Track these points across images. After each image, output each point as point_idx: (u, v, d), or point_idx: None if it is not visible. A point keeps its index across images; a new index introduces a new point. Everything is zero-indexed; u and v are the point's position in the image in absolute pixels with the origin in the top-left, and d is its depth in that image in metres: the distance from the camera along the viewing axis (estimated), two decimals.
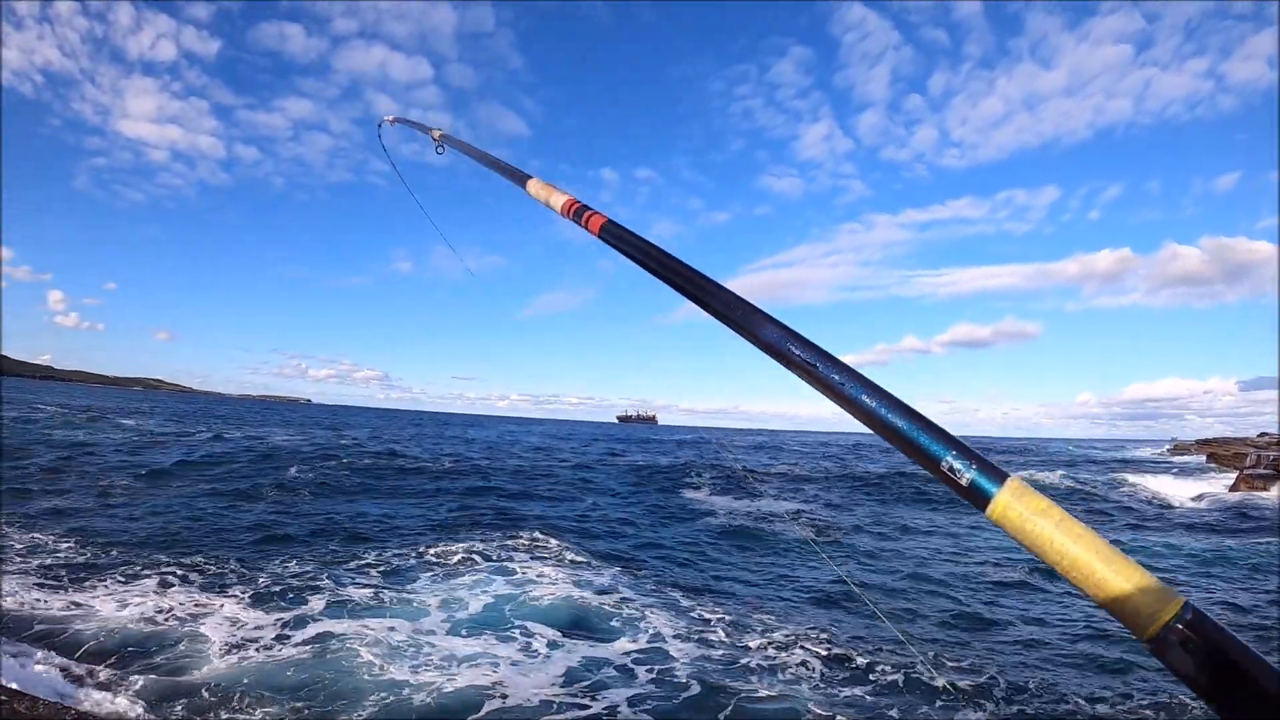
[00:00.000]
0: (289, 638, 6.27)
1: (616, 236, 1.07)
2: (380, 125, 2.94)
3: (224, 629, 6.37)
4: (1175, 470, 31.32)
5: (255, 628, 6.46)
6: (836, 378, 0.92)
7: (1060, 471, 29.08)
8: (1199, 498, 22.26)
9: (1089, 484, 24.87)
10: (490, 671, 5.71)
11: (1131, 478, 27.01)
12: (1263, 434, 39.63)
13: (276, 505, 13.25)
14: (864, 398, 0.91)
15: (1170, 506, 20.15)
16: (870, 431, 0.95)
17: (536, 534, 11.42)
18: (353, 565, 8.83)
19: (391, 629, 6.58)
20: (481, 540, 10.68)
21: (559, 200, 1.25)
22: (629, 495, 18.10)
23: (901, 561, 10.94)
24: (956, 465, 0.87)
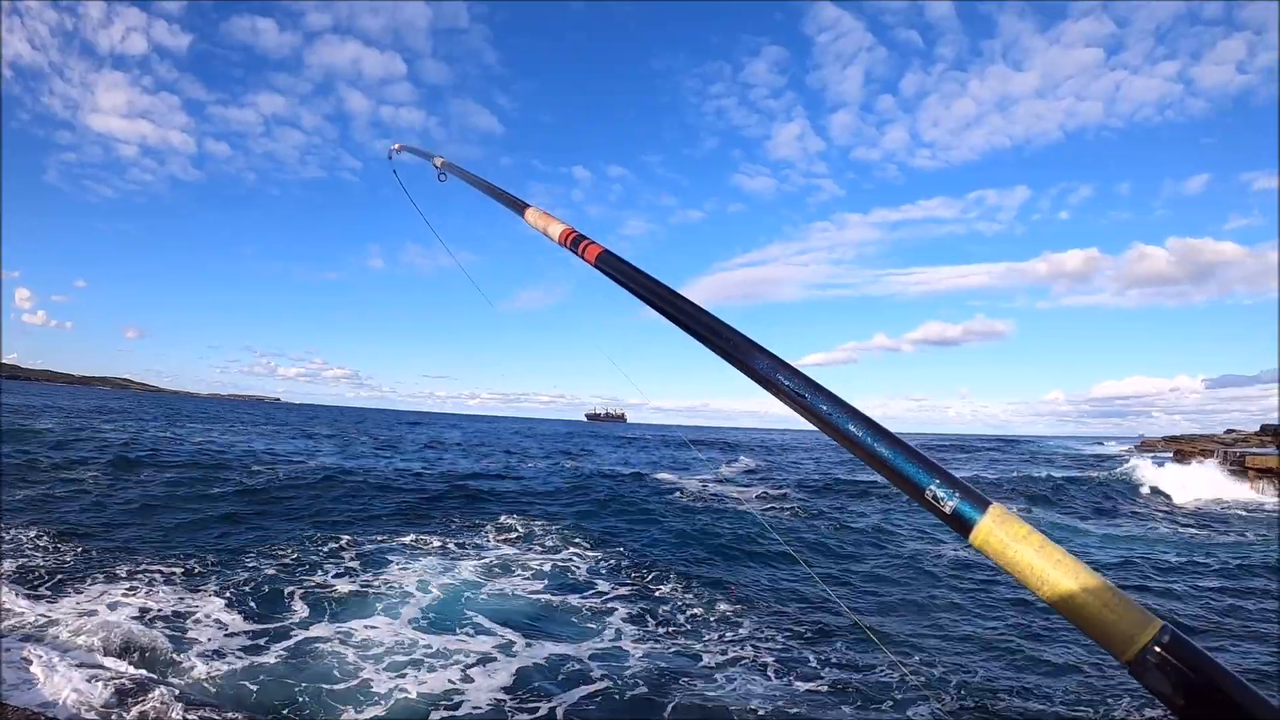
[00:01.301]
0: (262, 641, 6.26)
1: (612, 266, 1.09)
2: (390, 154, 2.96)
3: (205, 632, 6.33)
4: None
5: (232, 633, 6.42)
6: (824, 407, 0.95)
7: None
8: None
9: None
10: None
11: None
12: (1229, 431, 40.72)
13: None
14: (850, 426, 0.94)
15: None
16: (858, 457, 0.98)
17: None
18: None
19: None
20: None
21: (556, 229, 1.27)
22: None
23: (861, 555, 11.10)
24: (940, 493, 0.90)
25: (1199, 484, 22.29)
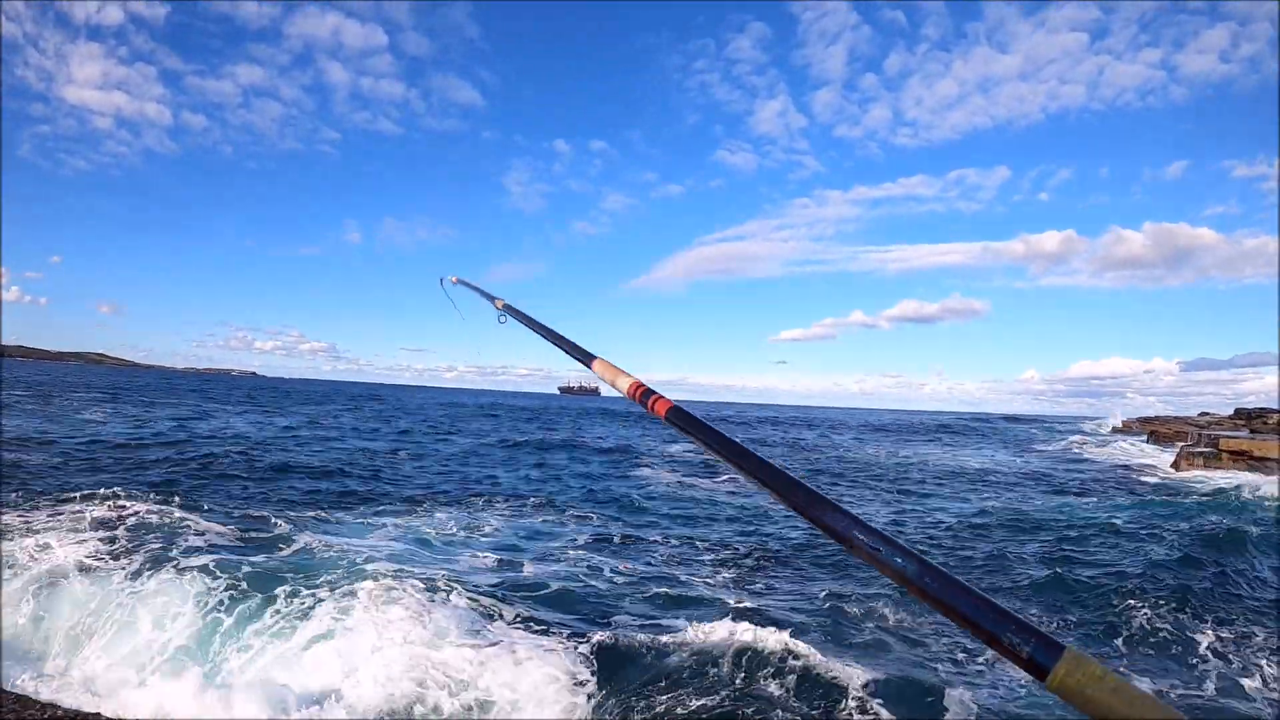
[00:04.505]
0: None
1: (683, 420, 1.15)
2: (442, 281, 3.03)
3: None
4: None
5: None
6: (899, 560, 1.01)
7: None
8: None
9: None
10: None
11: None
12: (1203, 413, 41.84)
13: None
14: (927, 579, 1.00)
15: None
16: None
17: None
18: None
19: None
20: None
21: (624, 383, 1.32)
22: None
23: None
24: (1015, 640, 0.97)
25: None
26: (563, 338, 1.78)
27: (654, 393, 1.26)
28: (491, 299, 2.55)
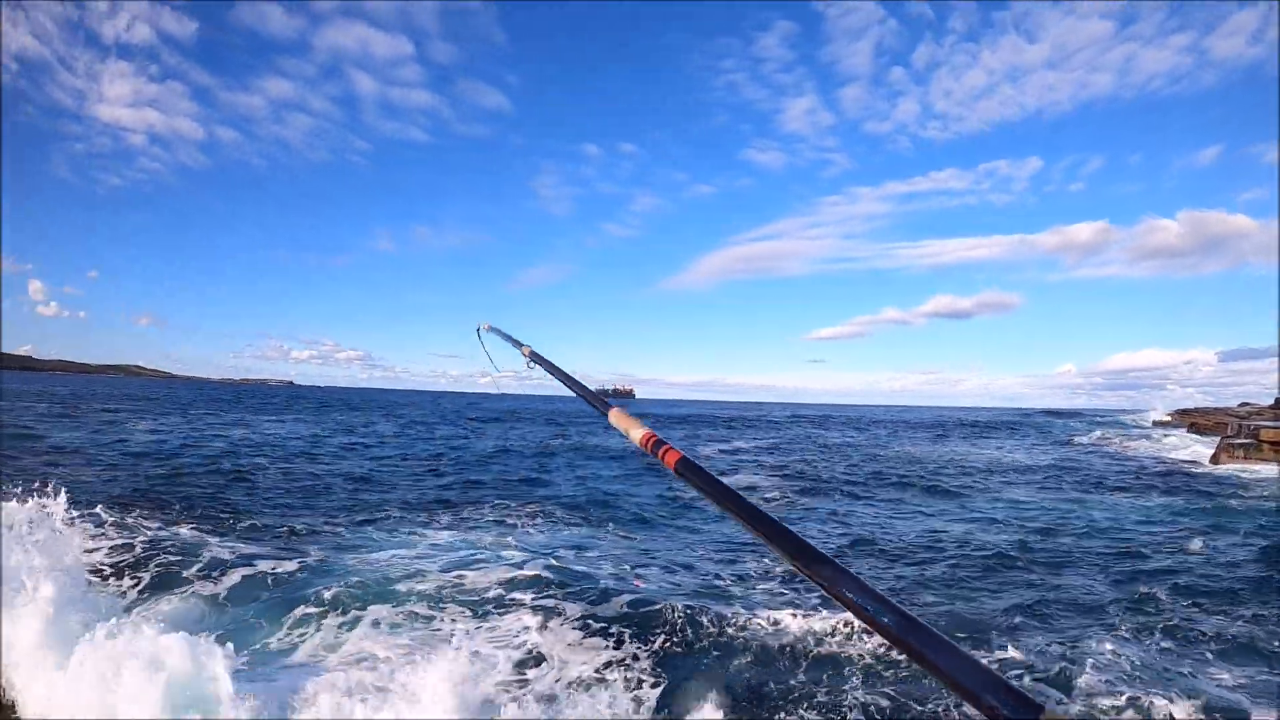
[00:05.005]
0: None
1: (692, 472, 1.22)
2: (479, 330, 3.23)
3: None
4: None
5: None
6: (887, 619, 1.08)
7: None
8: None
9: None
10: None
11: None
12: (1243, 404, 40.54)
13: None
14: (911, 636, 1.07)
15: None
16: None
17: None
18: None
19: None
20: None
21: (637, 434, 1.39)
22: None
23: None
24: (993, 701, 1.03)
25: None
26: (583, 386, 1.87)
27: (664, 443, 1.33)
28: (519, 345, 2.68)
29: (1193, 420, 37.65)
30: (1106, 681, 5.18)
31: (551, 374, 2.18)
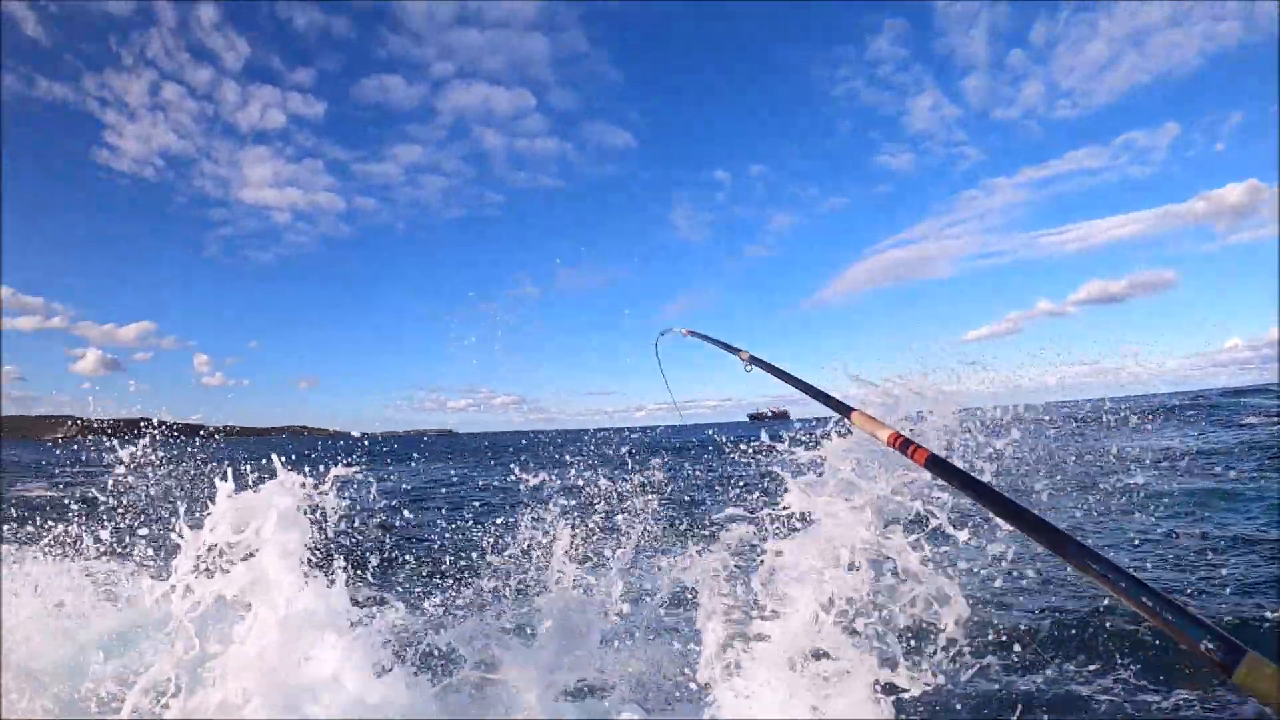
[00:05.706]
0: None
1: (943, 468, 1.39)
2: (657, 341, 2.98)
3: None
4: None
5: None
6: (1119, 580, 1.31)
7: None
8: None
9: None
10: None
11: None
12: None
13: None
14: (1143, 597, 1.31)
15: None
16: None
17: None
18: None
19: None
20: None
21: (884, 434, 1.55)
22: None
23: None
24: (1210, 645, 1.28)
25: None
26: (814, 388, 1.95)
27: (912, 442, 1.50)
28: (735, 351, 2.69)
29: None
30: None
31: (774, 375, 2.25)
